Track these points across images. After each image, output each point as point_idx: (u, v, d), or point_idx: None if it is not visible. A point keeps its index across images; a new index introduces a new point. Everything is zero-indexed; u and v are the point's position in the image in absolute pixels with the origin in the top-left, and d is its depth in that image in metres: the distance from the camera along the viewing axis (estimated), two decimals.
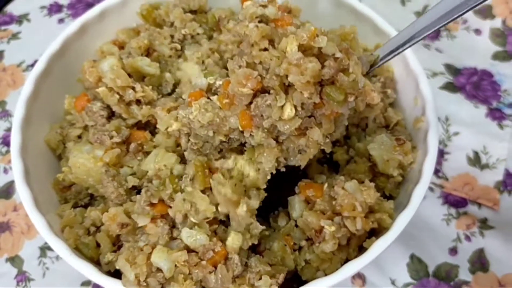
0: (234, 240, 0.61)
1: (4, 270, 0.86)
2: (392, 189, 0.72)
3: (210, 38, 0.85)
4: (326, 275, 0.63)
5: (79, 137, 0.76)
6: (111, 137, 0.69)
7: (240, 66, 0.58)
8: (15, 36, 1.17)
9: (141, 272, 0.58)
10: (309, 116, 0.58)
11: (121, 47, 0.83)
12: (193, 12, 0.85)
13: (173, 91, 0.79)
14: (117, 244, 0.65)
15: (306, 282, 0.62)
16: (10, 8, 1.22)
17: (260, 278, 0.59)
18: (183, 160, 0.68)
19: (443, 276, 0.85)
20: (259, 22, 0.58)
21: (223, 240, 0.61)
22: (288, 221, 0.69)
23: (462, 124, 1.01)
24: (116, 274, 0.63)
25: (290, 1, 0.69)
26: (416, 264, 0.86)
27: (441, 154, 0.97)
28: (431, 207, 0.92)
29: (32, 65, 1.10)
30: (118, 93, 0.71)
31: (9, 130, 1.02)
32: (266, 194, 0.65)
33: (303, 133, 0.59)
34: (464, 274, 0.85)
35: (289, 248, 0.66)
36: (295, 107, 0.56)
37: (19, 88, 1.08)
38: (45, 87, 0.78)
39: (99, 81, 0.73)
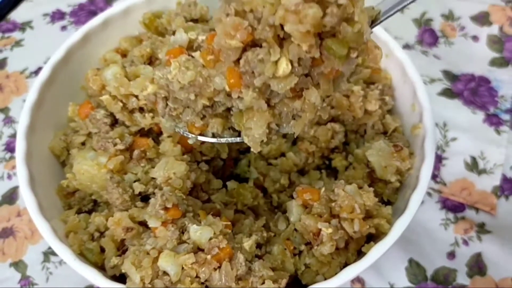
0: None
1: (8, 274, 0.87)
2: (390, 194, 0.73)
3: None
4: (325, 279, 0.64)
5: (83, 144, 0.77)
6: (115, 144, 0.70)
7: (227, 15, 0.49)
8: (18, 43, 1.18)
9: (147, 274, 0.58)
10: (306, 75, 0.50)
11: (124, 55, 0.84)
12: (194, 20, 0.86)
13: None
14: (121, 249, 0.66)
15: (306, 286, 0.63)
16: (13, 16, 1.23)
17: (263, 283, 0.59)
18: (191, 168, 0.68)
19: (441, 280, 0.86)
20: None
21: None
22: (287, 226, 0.69)
23: (460, 129, 1.01)
24: (120, 279, 0.63)
25: None
26: (415, 268, 0.87)
27: (439, 159, 0.98)
28: (429, 212, 0.92)
29: (35, 72, 1.11)
30: (121, 101, 0.72)
31: (12, 136, 1.03)
32: None
33: (298, 94, 0.52)
34: (462, 278, 0.86)
35: (289, 252, 0.66)
36: (291, 62, 0.48)
37: (23, 94, 1.09)
38: (49, 95, 0.78)
39: (103, 89, 0.74)
